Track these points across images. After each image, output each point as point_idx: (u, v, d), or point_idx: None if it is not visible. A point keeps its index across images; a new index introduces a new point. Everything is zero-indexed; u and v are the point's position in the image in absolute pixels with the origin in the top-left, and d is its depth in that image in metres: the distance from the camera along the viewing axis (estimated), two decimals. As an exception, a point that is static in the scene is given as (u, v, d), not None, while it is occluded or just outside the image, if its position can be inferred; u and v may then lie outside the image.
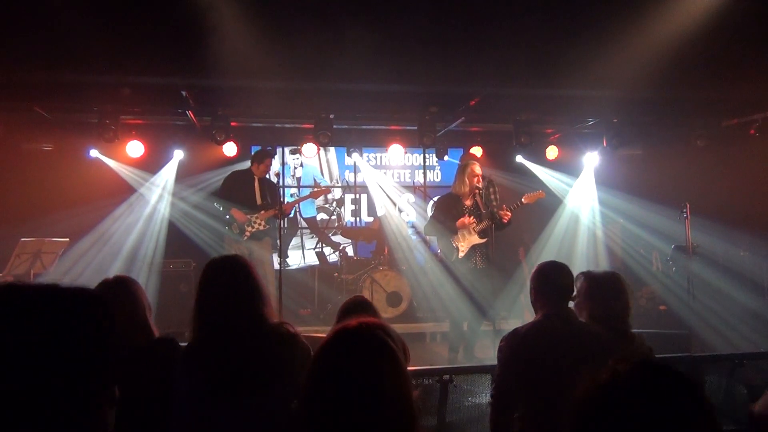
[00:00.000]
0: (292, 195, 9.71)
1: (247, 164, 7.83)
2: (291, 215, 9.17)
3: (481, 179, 6.47)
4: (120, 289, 2.83)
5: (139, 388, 2.61)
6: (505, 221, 6.24)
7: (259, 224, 7.44)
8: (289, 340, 2.61)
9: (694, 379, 1.22)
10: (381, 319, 3.09)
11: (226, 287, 2.64)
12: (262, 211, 7.44)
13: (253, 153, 8.07)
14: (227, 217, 7.50)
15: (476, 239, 6.35)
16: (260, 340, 2.57)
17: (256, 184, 7.60)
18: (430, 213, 8.30)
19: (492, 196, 7.42)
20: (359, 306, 3.09)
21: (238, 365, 2.51)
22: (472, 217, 6.36)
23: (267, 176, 7.82)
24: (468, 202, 6.48)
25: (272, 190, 7.77)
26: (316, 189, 8.41)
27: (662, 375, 1.22)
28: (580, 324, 3.09)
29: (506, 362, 3.00)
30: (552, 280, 3.11)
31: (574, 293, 3.25)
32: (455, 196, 6.53)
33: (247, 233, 7.43)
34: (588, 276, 3.35)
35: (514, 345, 2.99)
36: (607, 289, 3.29)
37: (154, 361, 2.70)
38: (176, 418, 2.54)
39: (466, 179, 6.44)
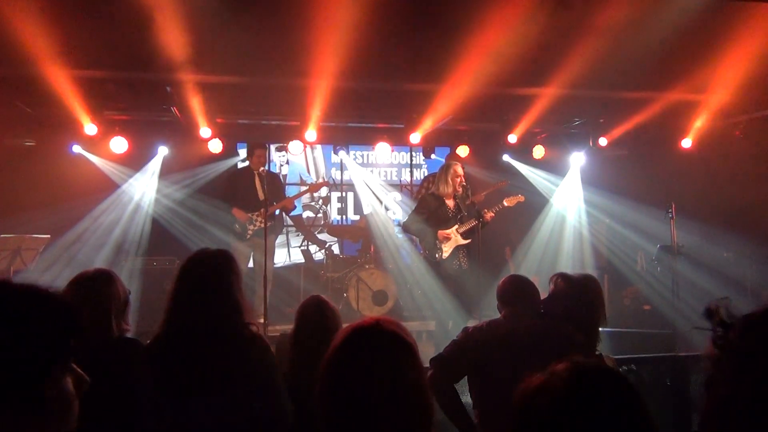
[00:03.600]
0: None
1: (246, 162, 7.77)
2: (295, 210, 9.03)
3: (463, 180, 6.48)
4: (86, 285, 2.73)
5: (95, 385, 2.55)
6: (488, 220, 6.26)
7: (261, 222, 7.29)
8: (248, 341, 2.58)
9: (628, 383, 1.22)
10: (339, 318, 3.13)
11: (196, 283, 2.62)
12: (263, 209, 7.12)
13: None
14: (229, 217, 7.44)
15: (460, 240, 6.35)
16: (220, 341, 2.54)
17: (257, 179, 7.43)
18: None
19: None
20: (318, 307, 3.12)
21: (196, 365, 2.49)
22: (456, 226, 6.35)
23: (268, 169, 7.71)
24: (450, 203, 6.47)
25: (274, 184, 7.65)
26: (315, 183, 8.35)
27: (596, 378, 1.21)
28: (535, 322, 3.22)
29: (462, 341, 3.24)
30: (511, 288, 3.35)
31: (549, 293, 3.40)
32: (439, 197, 6.51)
33: (250, 231, 7.37)
34: (562, 277, 3.42)
35: (474, 332, 3.26)
36: (579, 290, 3.33)
37: (110, 360, 2.61)
38: (138, 413, 2.52)
39: (450, 180, 6.43)
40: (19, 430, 1.03)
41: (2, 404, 1.02)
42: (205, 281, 2.61)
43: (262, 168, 7.28)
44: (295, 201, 8.82)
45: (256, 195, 7.36)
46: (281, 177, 8.08)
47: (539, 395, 1.18)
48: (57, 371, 1.09)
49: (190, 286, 2.62)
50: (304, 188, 8.45)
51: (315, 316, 3.09)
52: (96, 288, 2.73)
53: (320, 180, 9.19)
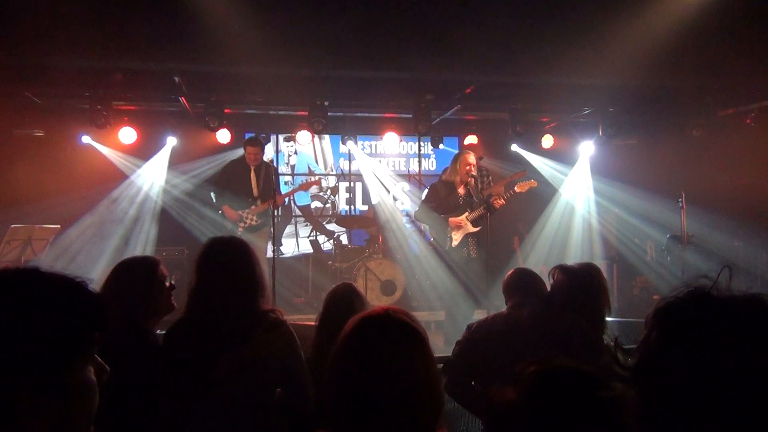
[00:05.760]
0: (286, 183, 9.66)
1: (242, 152, 7.71)
2: (284, 204, 9.09)
3: (474, 168, 6.44)
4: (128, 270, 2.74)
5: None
6: (497, 207, 6.22)
7: (252, 220, 7.31)
8: (273, 327, 2.59)
9: (599, 382, 1.20)
10: (368, 307, 3.12)
11: (221, 269, 2.62)
12: (253, 207, 7.27)
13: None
14: (219, 212, 7.43)
15: (470, 228, 6.33)
16: (244, 326, 2.55)
17: (252, 173, 7.44)
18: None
19: (486, 179, 7.38)
20: (348, 294, 3.10)
21: (218, 349, 2.51)
22: (466, 214, 6.33)
23: (263, 162, 7.67)
24: (461, 191, 6.46)
25: (267, 178, 7.59)
26: (306, 181, 8.36)
27: (559, 387, 1.20)
28: (538, 312, 3.19)
29: (466, 340, 3.25)
30: (515, 280, 3.35)
31: (550, 286, 3.35)
32: (449, 184, 6.50)
33: (240, 228, 7.35)
34: (561, 269, 3.36)
35: (477, 328, 3.25)
36: (579, 280, 3.28)
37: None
38: (158, 395, 2.54)
39: (459, 167, 6.42)
40: (40, 417, 1.04)
41: (23, 390, 1.02)
42: (228, 267, 2.62)
43: (255, 164, 7.37)
44: (298, 192, 8.79)
45: (250, 189, 7.35)
46: (276, 170, 8.02)
47: (504, 406, 1.20)
48: (80, 361, 1.10)
49: (213, 272, 2.63)
50: (307, 180, 8.44)
51: (344, 303, 3.08)
52: (139, 274, 2.73)
53: (313, 180, 8.95)
